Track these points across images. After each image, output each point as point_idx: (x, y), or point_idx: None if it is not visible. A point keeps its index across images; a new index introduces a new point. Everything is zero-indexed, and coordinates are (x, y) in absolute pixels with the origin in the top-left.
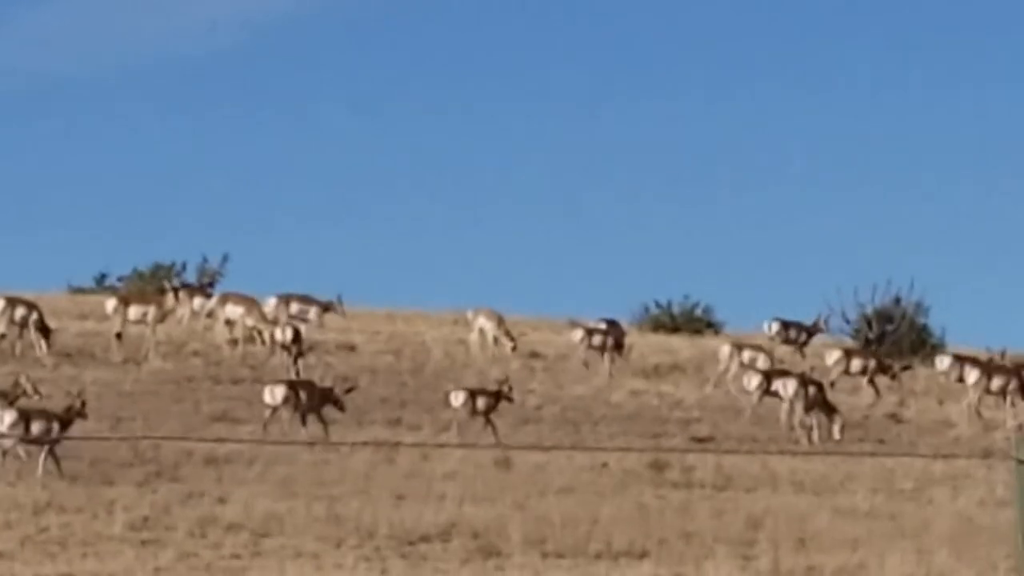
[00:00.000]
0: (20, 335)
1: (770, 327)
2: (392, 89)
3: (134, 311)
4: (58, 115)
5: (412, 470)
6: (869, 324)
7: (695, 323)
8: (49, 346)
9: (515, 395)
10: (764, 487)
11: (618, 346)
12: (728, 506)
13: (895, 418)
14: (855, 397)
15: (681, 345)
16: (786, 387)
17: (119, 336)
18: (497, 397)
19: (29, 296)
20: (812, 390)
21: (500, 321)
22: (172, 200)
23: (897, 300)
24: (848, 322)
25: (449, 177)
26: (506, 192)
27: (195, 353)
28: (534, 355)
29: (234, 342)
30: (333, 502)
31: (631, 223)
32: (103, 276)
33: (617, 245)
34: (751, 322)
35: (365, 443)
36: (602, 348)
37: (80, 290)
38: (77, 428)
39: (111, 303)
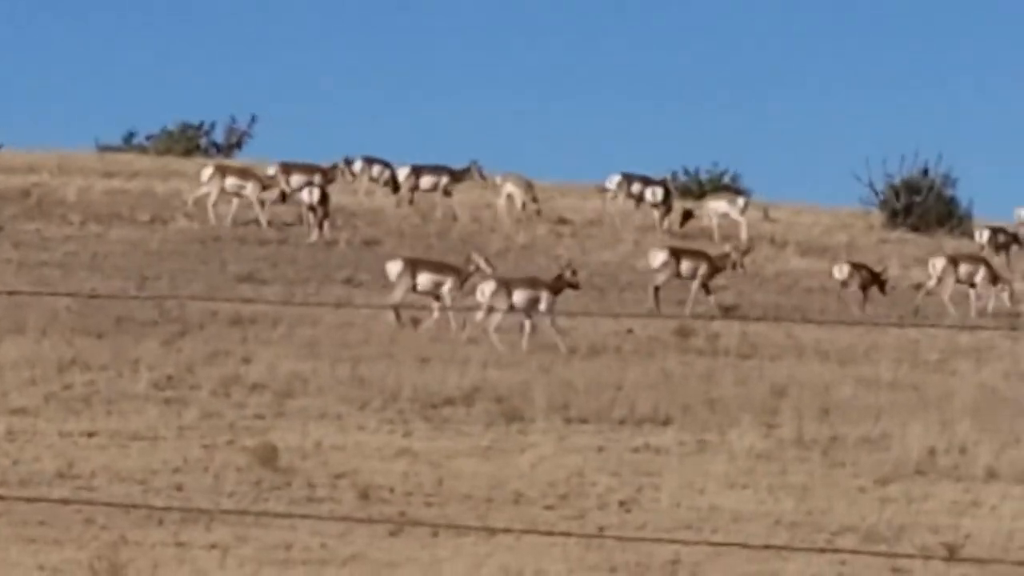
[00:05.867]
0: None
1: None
2: None
3: (296, 179)
4: None
5: (437, 334)
6: (897, 195)
7: (723, 191)
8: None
9: (542, 260)
10: (789, 356)
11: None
12: (753, 374)
13: (921, 288)
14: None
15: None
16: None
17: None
18: (876, 278)
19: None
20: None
21: (528, 186)
22: (201, 59)
23: (925, 171)
24: (876, 193)
25: (471, 42)
26: (534, 57)
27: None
28: (562, 221)
29: (260, 204)
30: (357, 364)
31: (659, 90)
32: (131, 135)
33: (645, 112)
34: (780, 192)
35: (393, 307)
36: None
37: (108, 148)
38: (102, 286)
39: (273, 169)
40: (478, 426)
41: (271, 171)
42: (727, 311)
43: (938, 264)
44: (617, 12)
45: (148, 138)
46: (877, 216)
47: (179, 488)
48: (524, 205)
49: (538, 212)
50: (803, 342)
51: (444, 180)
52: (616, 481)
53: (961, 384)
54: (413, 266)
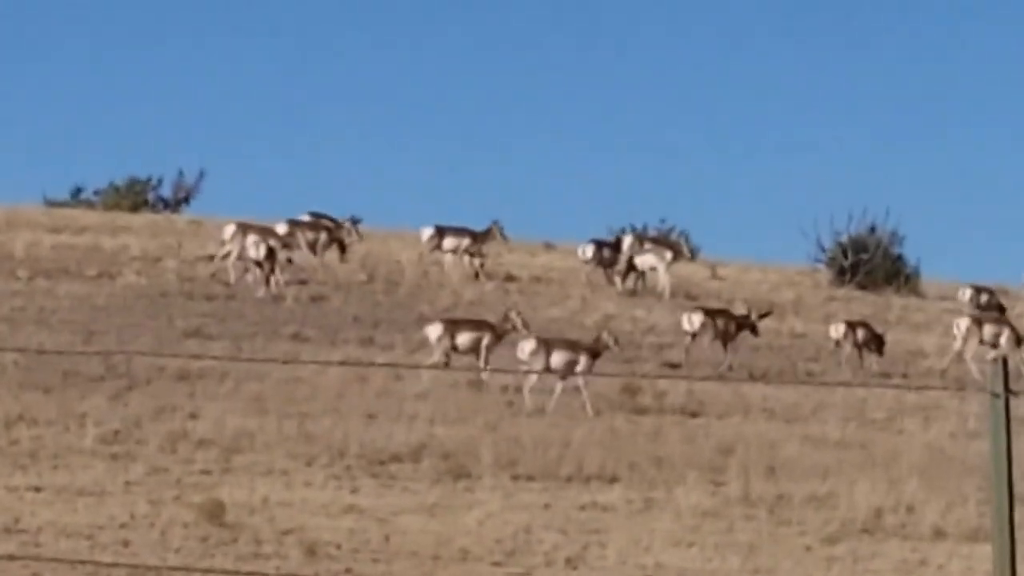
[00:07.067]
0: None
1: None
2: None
3: (310, 236)
4: (34, 23)
5: (384, 389)
6: (844, 253)
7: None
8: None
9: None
10: (735, 414)
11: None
12: (699, 432)
13: (867, 347)
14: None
15: None
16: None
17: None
18: (875, 337)
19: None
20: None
21: (475, 242)
22: (150, 114)
23: (872, 229)
24: (823, 250)
25: (430, 97)
26: (483, 114)
27: (169, 269)
28: (509, 278)
29: (209, 258)
30: (304, 420)
31: (608, 145)
32: (79, 190)
33: (593, 168)
34: (727, 249)
35: (342, 363)
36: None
37: (55, 203)
38: (49, 341)
39: (283, 227)
40: (425, 483)
41: (281, 229)
42: (673, 368)
43: (962, 325)
44: (561, 64)
45: (96, 193)
46: (824, 274)
47: (126, 544)
48: (471, 261)
49: (482, 266)
50: (750, 400)
51: (466, 242)
52: (563, 538)
53: (908, 443)
54: (453, 327)
